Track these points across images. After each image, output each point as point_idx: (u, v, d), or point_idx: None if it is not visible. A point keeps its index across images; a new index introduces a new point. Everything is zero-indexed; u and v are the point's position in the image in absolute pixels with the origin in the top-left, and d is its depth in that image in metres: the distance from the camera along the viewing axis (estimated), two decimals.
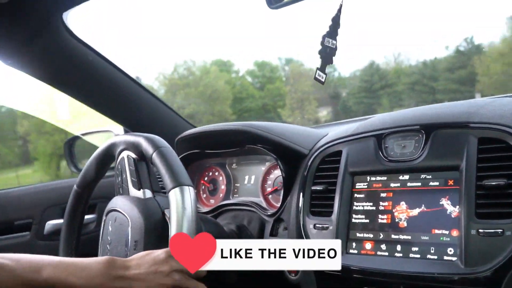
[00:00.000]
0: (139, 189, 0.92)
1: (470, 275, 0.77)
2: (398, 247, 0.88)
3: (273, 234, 1.12)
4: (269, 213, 1.14)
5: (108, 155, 0.99)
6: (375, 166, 0.95)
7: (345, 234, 0.95)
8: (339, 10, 0.84)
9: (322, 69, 0.86)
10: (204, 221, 1.01)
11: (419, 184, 0.89)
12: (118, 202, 0.93)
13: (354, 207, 0.96)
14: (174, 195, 0.80)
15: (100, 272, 0.69)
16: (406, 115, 0.98)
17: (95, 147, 1.03)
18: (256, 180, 1.25)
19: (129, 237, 0.86)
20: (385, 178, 0.94)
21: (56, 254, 0.88)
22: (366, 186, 0.96)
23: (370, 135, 0.99)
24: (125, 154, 0.94)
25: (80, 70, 1.33)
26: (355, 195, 0.97)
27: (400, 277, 0.85)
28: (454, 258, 0.81)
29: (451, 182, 0.85)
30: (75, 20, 1.24)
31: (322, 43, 0.84)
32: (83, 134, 1.64)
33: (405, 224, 0.88)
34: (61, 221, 1.25)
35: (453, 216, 0.83)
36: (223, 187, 1.31)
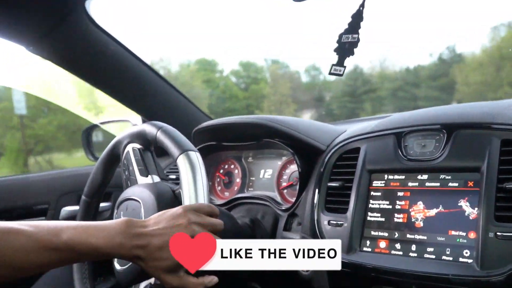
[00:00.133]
0: (147, 176, 0.93)
1: (484, 277, 0.76)
2: (413, 247, 0.87)
3: (287, 229, 1.12)
4: (283, 208, 1.13)
5: (114, 155, 1.00)
6: (394, 165, 0.94)
7: (360, 231, 0.94)
8: (362, 5, 0.85)
9: (339, 63, 0.86)
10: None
11: (438, 184, 0.88)
12: (128, 192, 0.94)
13: (370, 205, 0.95)
14: (182, 160, 0.82)
15: (120, 231, 0.69)
16: (428, 114, 0.97)
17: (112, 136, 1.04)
18: (272, 174, 1.25)
19: (143, 219, 0.87)
20: (403, 177, 0.93)
21: None
22: (383, 184, 0.95)
23: (389, 133, 0.98)
24: (130, 147, 0.96)
25: (100, 59, 1.34)
26: (372, 193, 0.96)
27: (413, 277, 0.84)
28: (470, 260, 0.80)
29: (471, 184, 0.84)
30: (97, 9, 1.25)
31: (339, 41, 0.85)
32: (101, 123, 1.66)
33: (421, 224, 0.87)
34: (76, 207, 1.27)
35: (471, 218, 0.82)
36: (238, 180, 1.31)
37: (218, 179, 1.35)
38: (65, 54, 1.32)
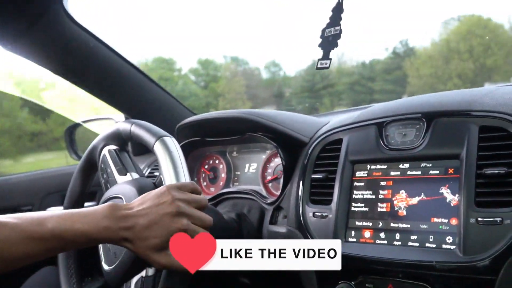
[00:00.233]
0: (125, 174, 0.93)
1: (468, 263, 0.77)
2: (397, 236, 0.88)
3: (273, 222, 1.12)
4: (268, 201, 1.14)
5: (91, 162, 1.00)
6: (376, 155, 0.95)
7: (345, 222, 0.95)
8: None
9: (325, 57, 0.87)
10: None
11: (419, 172, 0.89)
12: (109, 191, 0.93)
13: (354, 196, 0.96)
14: (158, 146, 0.82)
15: (105, 214, 0.68)
16: (408, 103, 0.98)
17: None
18: (256, 168, 1.25)
19: None
20: (385, 166, 0.93)
21: None
22: (366, 175, 0.95)
23: (371, 123, 0.98)
24: (105, 150, 0.96)
25: (81, 56, 1.33)
26: (355, 183, 0.96)
27: (399, 265, 0.85)
28: (452, 247, 0.81)
29: (451, 171, 0.85)
30: (75, 6, 1.24)
31: (322, 36, 0.86)
32: (84, 122, 1.64)
33: (405, 213, 0.88)
34: (60, 208, 1.26)
35: (452, 205, 0.83)
36: (223, 175, 1.31)
37: (203, 175, 1.35)
38: (44, 52, 1.30)
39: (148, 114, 1.47)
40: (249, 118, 1.14)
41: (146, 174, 1.43)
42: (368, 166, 0.96)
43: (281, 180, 1.12)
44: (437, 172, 0.87)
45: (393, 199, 0.90)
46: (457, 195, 0.82)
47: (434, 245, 0.83)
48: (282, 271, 1.03)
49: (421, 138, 0.90)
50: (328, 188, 0.99)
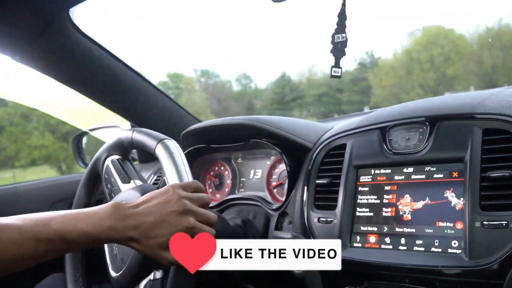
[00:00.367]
0: (129, 182, 0.94)
1: (474, 267, 0.76)
2: (402, 240, 0.88)
3: (278, 228, 1.12)
4: (274, 207, 1.14)
5: (95, 174, 1.01)
6: (379, 159, 0.95)
7: (349, 227, 0.95)
8: (343, 4, 0.85)
9: (336, 65, 0.87)
10: None
11: (423, 176, 0.88)
12: (114, 200, 0.94)
13: (358, 201, 0.96)
14: (160, 149, 0.83)
15: (109, 214, 0.68)
16: (411, 107, 0.98)
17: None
18: (261, 174, 1.25)
19: None
20: (389, 171, 0.93)
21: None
22: (370, 179, 0.95)
23: (374, 127, 0.98)
24: (108, 160, 0.98)
25: (86, 66, 1.34)
26: (359, 188, 0.96)
27: (404, 270, 0.84)
28: (458, 251, 0.80)
29: (455, 174, 0.84)
30: (82, 16, 1.25)
31: (333, 42, 0.86)
32: (90, 130, 1.66)
33: (409, 217, 0.88)
34: None
35: (457, 209, 0.82)
36: (228, 181, 1.31)
37: (209, 181, 1.35)
38: (51, 62, 1.32)
39: (153, 121, 1.48)
40: (253, 124, 1.14)
41: (152, 181, 1.44)
42: (372, 171, 0.95)
43: (286, 186, 1.12)
44: (441, 175, 0.86)
45: (397, 203, 0.90)
46: (461, 199, 0.82)
47: (439, 250, 0.83)
48: (288, 277, 1.04)
49: (425, 141, 0.89)
50: (332, 193, 0.99)
